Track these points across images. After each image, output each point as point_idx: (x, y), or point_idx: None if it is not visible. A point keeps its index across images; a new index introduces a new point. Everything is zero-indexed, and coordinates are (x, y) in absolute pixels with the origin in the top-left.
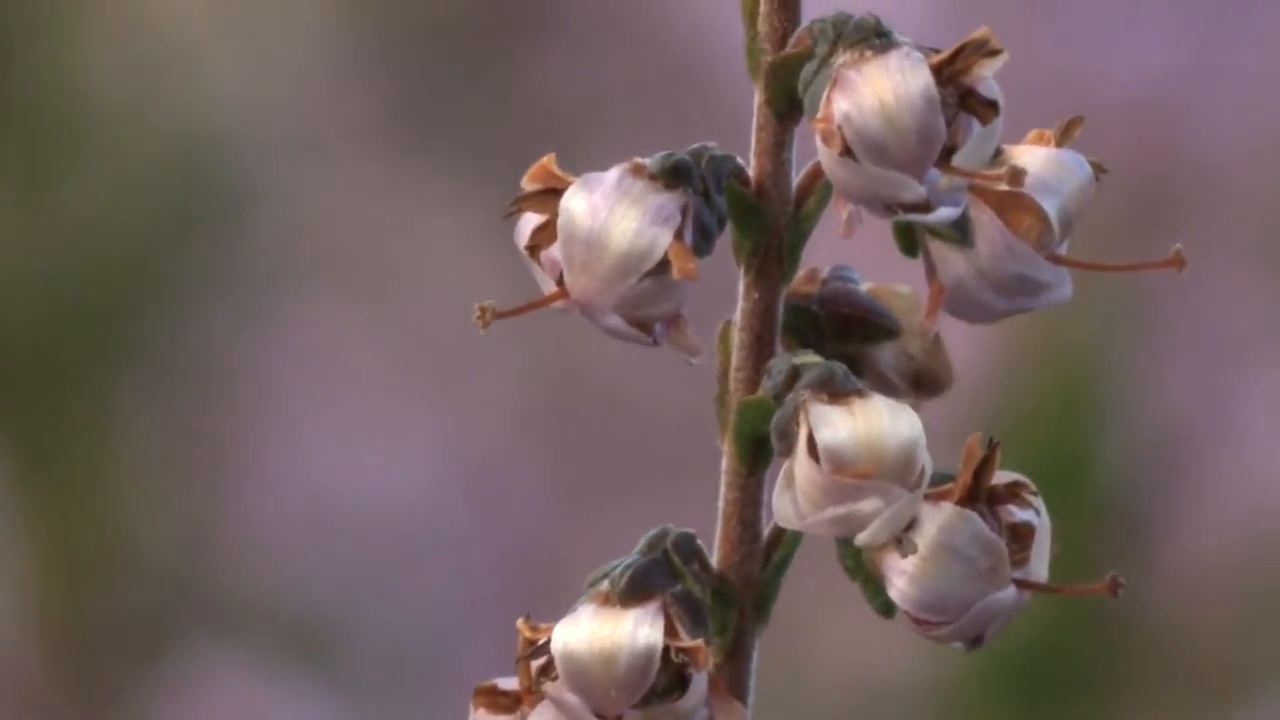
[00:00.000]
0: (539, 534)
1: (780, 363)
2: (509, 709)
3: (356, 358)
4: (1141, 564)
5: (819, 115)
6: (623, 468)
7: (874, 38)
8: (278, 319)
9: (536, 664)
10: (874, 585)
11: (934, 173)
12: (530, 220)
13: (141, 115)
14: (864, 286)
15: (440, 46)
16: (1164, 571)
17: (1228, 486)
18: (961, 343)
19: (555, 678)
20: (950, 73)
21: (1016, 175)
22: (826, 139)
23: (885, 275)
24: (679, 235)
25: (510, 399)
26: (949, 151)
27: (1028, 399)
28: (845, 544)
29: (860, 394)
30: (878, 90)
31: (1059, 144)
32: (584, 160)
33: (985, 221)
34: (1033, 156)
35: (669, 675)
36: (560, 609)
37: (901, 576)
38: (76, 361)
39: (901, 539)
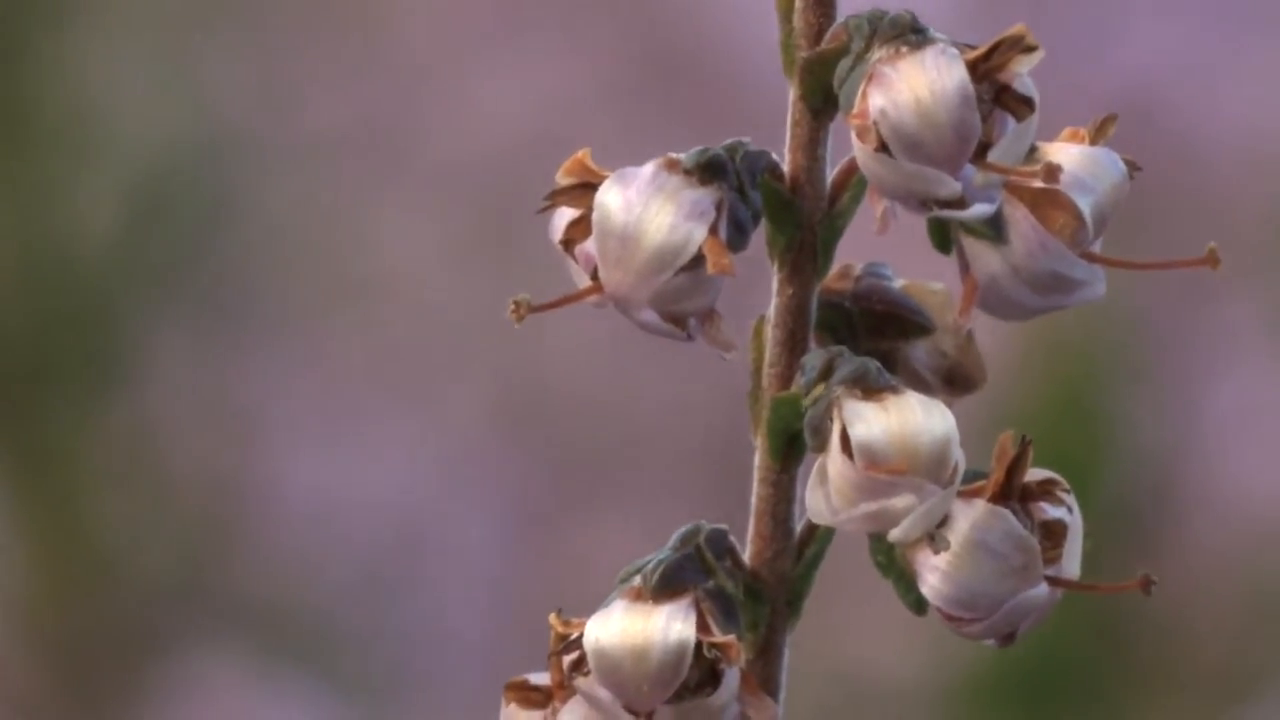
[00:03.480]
0: (524, 537)
1: (814, 359)
2: (540, 704)
3: (346, 365)
4: (1144, 569)
5: (854, 111)
6: (609, 472)
7: (909, 34)
8: (267, 329)
9: (568, 659)
10: (906, 582)
11: (969, 169)
12: (564, 214)
13: (126, 129)
14: (897, 283)
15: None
16: (1166, 576)
17: (1227, 492)
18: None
19: (587, 673)
20: (985, 69)
21: (1052, 172)
22: (862, 135)
23: (919, 272)
24: (714, 230)
25: (487, 405)
26: (984, 148)
27: (1029, 408)
28: (878, 540)
29: (894, 390)
30: (914, 86)
31: (1093, 141)
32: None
33: (1019, 218)
34: (1067, 154)
35: (701, 671)
36: (545, 612)
37: (934, 573)
38: (68, 369)
39: (934, 535)
